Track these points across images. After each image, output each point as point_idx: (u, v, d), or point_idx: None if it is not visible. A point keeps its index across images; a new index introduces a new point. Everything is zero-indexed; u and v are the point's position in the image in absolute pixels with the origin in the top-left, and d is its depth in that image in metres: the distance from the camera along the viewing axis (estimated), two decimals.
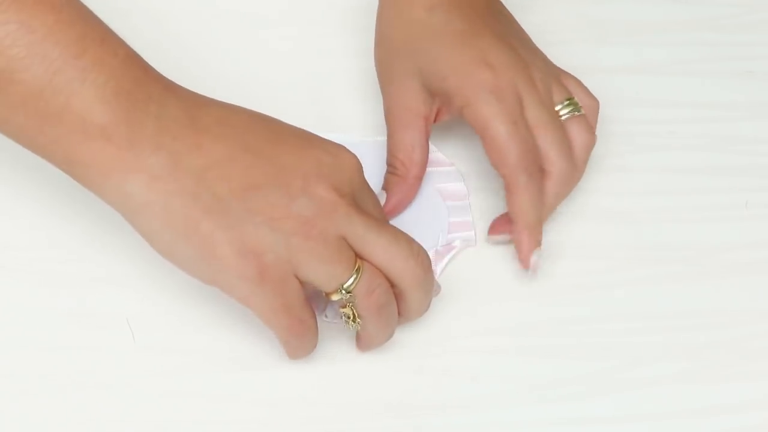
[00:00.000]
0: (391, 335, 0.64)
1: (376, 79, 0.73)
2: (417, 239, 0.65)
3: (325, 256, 0.59)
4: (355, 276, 0.60)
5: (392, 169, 0.70)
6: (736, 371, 0.67)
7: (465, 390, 0.66)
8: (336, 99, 0.76)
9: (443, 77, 0.69)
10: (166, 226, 0.58)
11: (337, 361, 0.65)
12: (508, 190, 0.68)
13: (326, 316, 0.67)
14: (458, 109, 0.69)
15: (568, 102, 0.70)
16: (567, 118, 0.70)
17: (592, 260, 0.71)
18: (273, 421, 0.64)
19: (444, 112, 0.71)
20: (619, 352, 0.68)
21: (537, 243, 0.68)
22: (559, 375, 0.66)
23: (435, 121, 0.71)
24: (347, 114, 0.75)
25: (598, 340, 0.68)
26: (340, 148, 0.62)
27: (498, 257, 0.70)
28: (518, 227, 0.68)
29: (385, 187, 0.70)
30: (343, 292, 0.60)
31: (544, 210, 0.69)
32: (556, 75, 0.71)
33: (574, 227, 0.72)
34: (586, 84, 0.72)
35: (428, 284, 0.63)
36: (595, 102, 0.72)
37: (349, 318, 0.62)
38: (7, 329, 0.65)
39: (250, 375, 0.65)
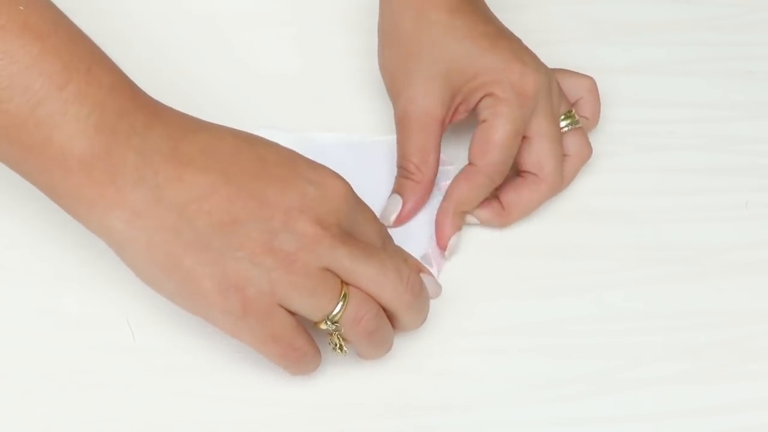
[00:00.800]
0: (388, 350, 0.64)
1: (380, 78, 0.73)
2: (413, 234, 0.65)
3: (308, 288, 0.59)
4: (341, 304, 0.60)
5: (406, 173, 0.70)
6: (736, 371, 0.67)
7: (465, 390, 0.66)
8: (339, 99, 0.76)
9: (474, 75, 0.69)
10: (149, 262, 0.58)
11: (338, 361, 0.65)
12: (465, 176, 0.69)
13: None
14: (477, 99, 0.69)
15: (567, 114, 0.72)
16: (568, 131, 0.71)
17: (592, 260, 0.71)
18: (273, 421, 0.64)
19: (461, 112, 0.71)
20: (619, 352, 0.68)
21: (458, 227, 0.70)
22: (559, 375, 0.66)
23: (449, 121, 0.71)
24: (350, 113, 0.75)
25: (598, 340, 0.68)
26: (326, 176, 0.60)
27: (498, 257, 0.70)
28: (449, 209, 0.69)
29: (399, 191, 0.70)
30: (329, 323, 0.60)
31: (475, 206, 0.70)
32: (556, 80, 0.72)
33: (574, 227, 0.72)
34: None
35: (420, 305, 0.63)
36: (589, 81, 0.73)
37: (336, 346, 0.62)
38: (7, 329, 0.65)
39: (250, 375, 0.65)
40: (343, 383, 0.65)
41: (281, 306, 0.59)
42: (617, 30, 0.81)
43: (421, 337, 0.67)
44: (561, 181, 0.71)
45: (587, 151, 0.72)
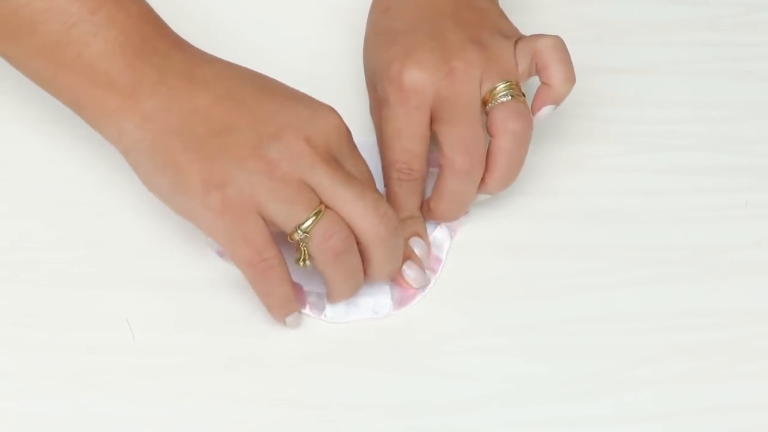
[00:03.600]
0: (354, 288, 0.66)
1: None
2: None
3: (284, 196, 0.62)
4: (313, 219, 0.62)
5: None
6: (736, 371, 0.67)
7: (465, 390, 0.66)
8: (334, 100, 0.75)
9: (373, 74, 0.71)
10: (149, 159, 0.63)
11: (337, 361, 0.65)
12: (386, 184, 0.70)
13: (325, 316, 0.67)
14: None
15: (504, 85, 0.68)
16: (497, 105, 0.67)
17: (592, 260, 0.71)
18: (273, 421, 0.64)
19: None
20: (619, 352, 0.68)
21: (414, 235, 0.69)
22: (559, 375, 0.66)
23: None
24: (346, 113, 0.75)
25: (598, 340, 0.68)
26: (324, 106, 0.65)
27: (498, 257, 0.70)
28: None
29: None
30: (300, 232, 0.62)
31: (413, 206, 0.69)
32: (502, 57, 0.68)
33: (575, 227, 0.72)
34: (585, 85, 0.72)
35: (392, 245, 0.64)
36: (546, 40, 0.69)
37: (300, 257, 0.63)
38: (8, 329, 0.65)
39: (250, 375, 0.65)
40: (343, 383, 0.65)
41: (259, 214, 0.62)
42: (617, 30, 0.81)
43: (421, 337, 0.67)
44: (470, 164, 0.67)
45: (512, 126, 0.67)
